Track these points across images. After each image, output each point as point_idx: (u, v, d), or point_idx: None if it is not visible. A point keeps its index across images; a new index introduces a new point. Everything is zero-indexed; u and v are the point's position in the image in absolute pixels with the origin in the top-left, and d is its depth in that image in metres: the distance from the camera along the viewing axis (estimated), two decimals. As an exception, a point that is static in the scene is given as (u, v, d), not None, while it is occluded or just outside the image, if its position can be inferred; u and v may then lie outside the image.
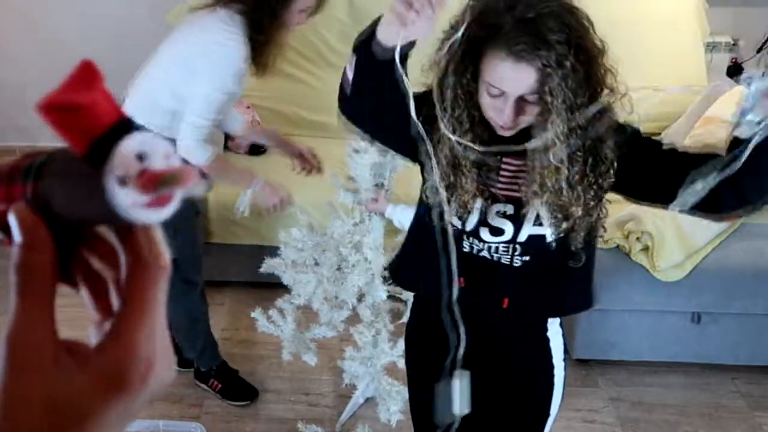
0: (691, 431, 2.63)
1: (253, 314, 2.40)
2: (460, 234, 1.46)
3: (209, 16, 2.21)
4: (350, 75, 1.35)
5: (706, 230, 2.68)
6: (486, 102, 1.34)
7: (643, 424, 2.66)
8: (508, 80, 1.28)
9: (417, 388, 1.74)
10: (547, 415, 1.62)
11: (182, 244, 2.45)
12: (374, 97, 1.35)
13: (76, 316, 2.61)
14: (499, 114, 1.32)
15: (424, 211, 1.52)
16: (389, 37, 1.22)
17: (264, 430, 2.61)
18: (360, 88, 1.35)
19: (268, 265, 2.39)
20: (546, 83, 1.25)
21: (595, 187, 1.35)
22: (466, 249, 1.47)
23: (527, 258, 1.43)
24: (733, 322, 2.73)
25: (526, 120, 1.33)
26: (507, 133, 1.36)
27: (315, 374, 2.51)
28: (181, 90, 2.22)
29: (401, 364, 2.22)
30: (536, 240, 1.41)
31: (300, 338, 2.40)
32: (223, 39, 2.15)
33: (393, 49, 1.20)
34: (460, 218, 1.45)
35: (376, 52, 1.26)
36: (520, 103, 1.30)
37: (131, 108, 2.28)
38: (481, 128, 1.37)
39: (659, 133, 3.50)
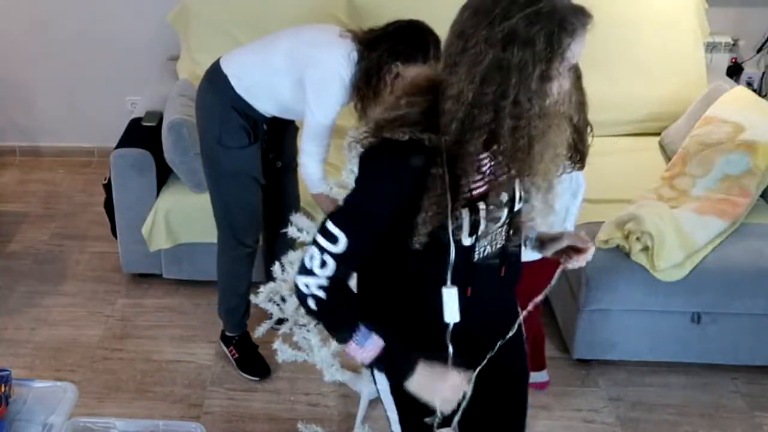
0: (691, 431, 2.64)
1: (274, 346, 2.35)
2: (471, 247, 1.44)
3: (338, 41, 2.36)
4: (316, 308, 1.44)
5: (706, 230, 2.68)
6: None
7: (643, 424, 2.66)
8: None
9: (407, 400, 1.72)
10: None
11: (236, 208, 2.55)
12: None
13: (77, 316, 2.60)
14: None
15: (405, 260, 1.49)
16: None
17: (264, 430, 2.61)
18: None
19: (266, 292, 2.39)
20: None
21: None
22: (477, 258, 1.47)
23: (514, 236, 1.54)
24: (733, 322, 2.73)
25: None
26: None
27: (315, 374, 2.50)
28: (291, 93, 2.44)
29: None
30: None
31: (326, 354, 2.35)
32: (338, 74, 2.32)
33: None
34: (465, 233, 1.43)
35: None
36: None
37: (248, 86, 2.47)
38: None
39: (659, 133, 3.50)
